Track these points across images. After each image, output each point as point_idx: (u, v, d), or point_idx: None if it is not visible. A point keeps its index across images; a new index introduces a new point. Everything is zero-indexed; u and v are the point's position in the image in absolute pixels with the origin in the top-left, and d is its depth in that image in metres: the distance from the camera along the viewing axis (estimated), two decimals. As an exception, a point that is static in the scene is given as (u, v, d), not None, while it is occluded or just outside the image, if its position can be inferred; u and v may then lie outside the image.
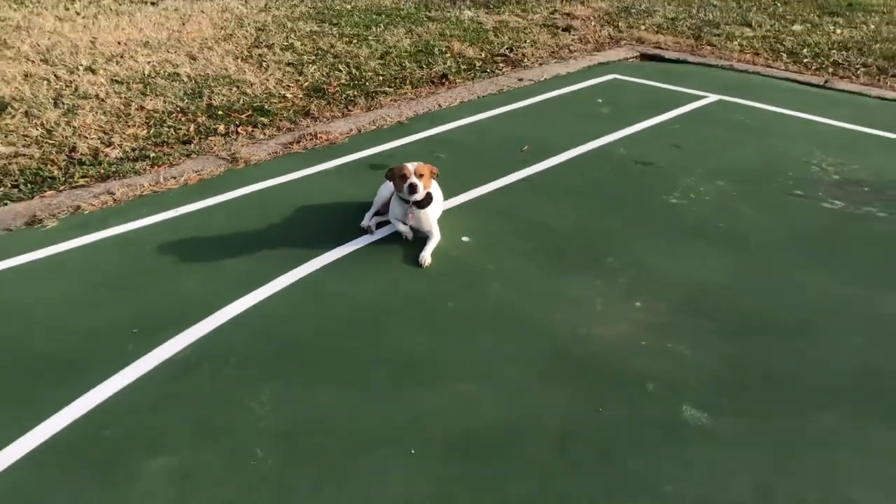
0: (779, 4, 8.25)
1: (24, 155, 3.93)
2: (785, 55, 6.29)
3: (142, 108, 4.64)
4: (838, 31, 7.14)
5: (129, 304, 2.69)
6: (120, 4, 7.30)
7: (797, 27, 7.27)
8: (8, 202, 3.46)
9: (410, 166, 3.01)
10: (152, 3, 7.42)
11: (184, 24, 6.63)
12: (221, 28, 6.54)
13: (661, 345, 2.53)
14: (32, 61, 5.35)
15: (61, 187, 3.63)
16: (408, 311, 2.68)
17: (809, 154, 4.20)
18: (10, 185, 3.62)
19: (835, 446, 2.11)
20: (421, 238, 3.12)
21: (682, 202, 3.59)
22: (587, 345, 2.52)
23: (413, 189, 2.97)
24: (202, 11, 7.10)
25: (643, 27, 7.06)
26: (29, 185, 3.64)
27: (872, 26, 7.35)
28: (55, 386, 2.27)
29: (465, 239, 3.19)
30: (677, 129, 4.56)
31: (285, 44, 6.12)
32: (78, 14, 6.81)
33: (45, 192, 3.58)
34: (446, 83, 5.34)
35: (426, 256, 3.01)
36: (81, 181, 3.69)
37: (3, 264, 2.95)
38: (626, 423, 2.17)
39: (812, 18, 7.62)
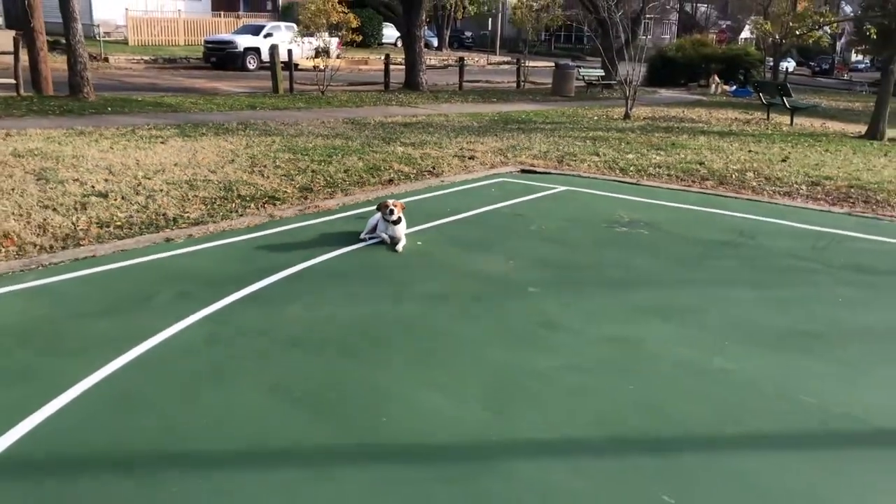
0: (622, 143, 11.99)
1: (139, 215, 6.58)
2: (617, 170, 9.75)
3: (196, 196, 7.39)
4: (657, 158, 10.78)
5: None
6: (139, 141, 10.16)
7: (630, 156, 10.88)
8: (144, 234, 6.08)
9: (390, 202, 5.91)
10: (162, 142, 10.31)
11: (195, 154, 9.52)
12: (223, 157, 9.45)
13: (527, 276, 5.39)
14: (102, 173, 8.05)
15: (173, 228, 6.28)
16: (398, 264, 5.45)
17: (615, 211, 7.38)
18: (139, 231, 6.24)
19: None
20: (395, 243, 5.94)
21: (537, 229, 6.61)
22: (484, 280, 5.35)
23: (391, 212, 5.84)
24: (203, 147, 10.03)
25: (524, 156, 10.49)
26: (149, 228, 6.27)
27: (682, 156, 11.06)
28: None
29: (418, 242, 6.04)
30: (539, 200, 7.70)
31: (274, 165, 9.07)
32: (112, 148, 9.60)
33: (163, 230, 6.22)
34: (393, 184, 8.36)
35: (400, 248, 5.83)
36: (183, 226, 6.36)
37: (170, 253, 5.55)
38: (503, 289, 4.98)
39: (643, 151, 11.30)
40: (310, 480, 2.89)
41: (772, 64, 31.15)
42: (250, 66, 27.99)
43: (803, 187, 9.04)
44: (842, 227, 7.23)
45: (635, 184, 8.92)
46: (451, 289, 5.11)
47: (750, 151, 11.87)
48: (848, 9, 51.21)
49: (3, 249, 5.53)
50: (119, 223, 6.32)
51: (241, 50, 27.92)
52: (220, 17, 36.01)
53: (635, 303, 4.96)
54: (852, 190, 8.91)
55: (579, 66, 26.06)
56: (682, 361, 4.07)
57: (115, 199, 7.01)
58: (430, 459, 3.08)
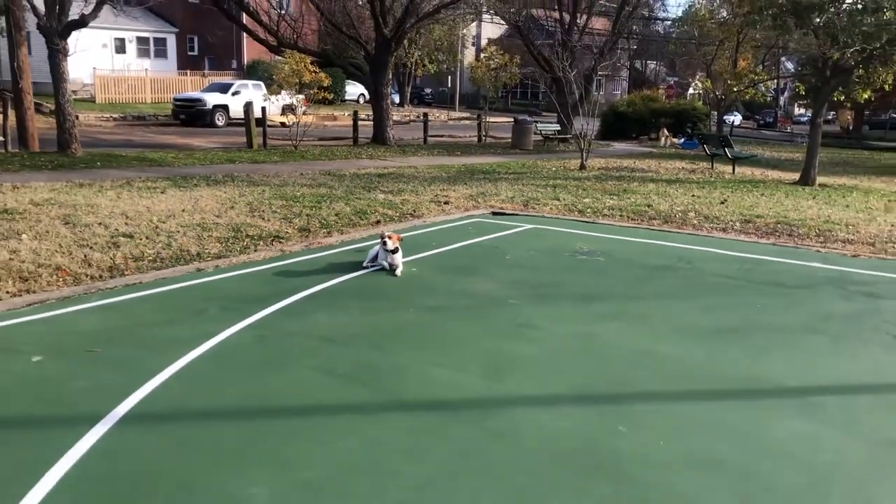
0: (579, 190, 13.47)
1: (165, 251, 7.68)
2: (576, 211, 11.16)
3: (210, 236, 8.52)
4: (611, 201, 12.25)
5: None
6: (139, 191, 11.24)
7: (587, 200, 12.33)
8: (176, 266, 7.18)
9: (389, 233, 7.14)
10: (162, 192, 11.42)
11: (196, 202, 10.65)
12: (223, 204, 10.60)
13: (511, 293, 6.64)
14: (120, 218, 9.13)
15: (199, 261, 7.39)
16: (399, 285, 6.65)
17: (576, 243, 8.73)
18: (171, 264, 7.34)
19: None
20: (393, 269, 7.14)
21: (511, 258, 7.90)
22: (472, 296, 6.59)
23: (386, 243, 7.06)
24: (201, 196, 11.16)
25: (493, 200, 11.86)
26: (178, 261, 7.37)
27: (632, 199, 12.55)
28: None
29: (413, 269, 7.26)
30: (510, 236, 9.01)
31: (271, 210, 10.24)
32: (119, 198, 10.68)
33: (191, 263, 7.33)
34: (380, 224, 9.61)
35: (398, 273, 7.04)
36: (207, 259, 7.48)
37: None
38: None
39: (598, 196, 12.78)
40: (357, 426, 4.05)
41: (716, 118, 33.54)
42: (219, 123, 29.22)
43: (737, 224, 10.55)
44: (766, 253, 8.68)
45: (592, 222, 10.33)
46: (445, 302, 6.34)
47: (693, 196, 13.45)
48: (790, 65, 54.99)
49: (61, 279, 6.59)
50: (150, 258, 7.41)
51: (210, 107, 29.17)
52: (185, 75, 37.30)
53: (595, 310, 6.24)
54: (779, 225, 10.45)
55: (536, 122, 27.93)
56: (632, 348, 5.33)
57: (141, 239, 8.09)
58: (446, 409, 4.26)
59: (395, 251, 7.11)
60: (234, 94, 29.78)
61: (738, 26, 21.27)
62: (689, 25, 31.84)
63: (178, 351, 4.89)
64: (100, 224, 8.68)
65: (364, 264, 7.30)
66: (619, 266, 7.85)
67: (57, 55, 15.86)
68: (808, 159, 17.04)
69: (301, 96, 20.85)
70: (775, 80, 43.01)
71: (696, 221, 10.65)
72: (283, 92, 21.54)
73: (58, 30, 15.76)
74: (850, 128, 44.31)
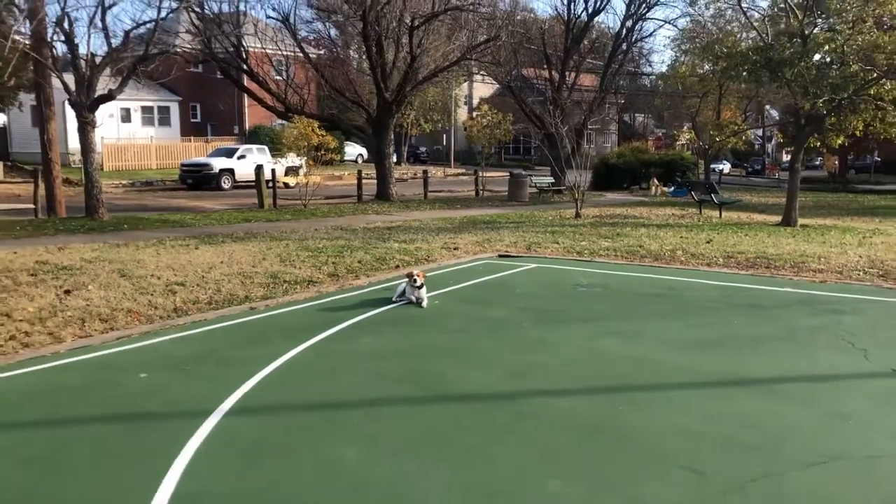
0: (576, 235, 14.76)
1: (216, 296, 8.86)
2: (574, 253, 12.42)
3: (252, 282, 9.71)
4: (605, 243, 13.53)
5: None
6: (174, 249, 12.45)
7: (584, 243, 13.60)
8: (231, 306, 8.35)
9: (415, 271, 8.36)
10: (195, 248, 12.64)
11: (230, 255, 11.87)
12: (255, 256, 11.81)
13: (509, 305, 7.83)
14: (167, 270, 10.32)
15: (249, 302, 8.56)
16: (426, 315, 7.83)
17: (576, 278, 9.94)
18: (226, 305, 8.51)
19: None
20: (419, 302, 8.32)
21: (521, 292, 9.10)
22: (489, 321, 7.77)
23: (415, 280, 8.27)
24: (233, 251, 12.39)
25: (498, 245, 13.12)
26: (231, 303, 8.54)
27: (625, 241, 13.83)
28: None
29: (436, 301, 8.46)
30: (517, 274, 10.23)
31: (300, 260, 11.45)
32: (158, 254, 11.89)
33: (243, 304, 8.50)
34: (399, 268, 10.82)
35: (424, 305, 8.23)
36: (256, 301, 8.65)
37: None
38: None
39: (594, 239, 14.06)
40: (413, 412, 5.21)
41: (702, 166, 35.21)
42: (225, 186, 30.69)
43: (720, 259, 11.81)
44: (744, 282, 9.92)
45: (589, 261, 11.58)
46: (468, 326, 7.52)
47: (681, 237, 14.75)
48: (775, 113, 57.27)
49: (135, 319, 7.75)
50: (205, 301, 8.59)
51: (217, 171, 30.69)
52: (189, 141, 39.01)
53: (595, 329, 7.43)
54: (758, 259, 11.71)
55: (531, 175, 29.47)
56: (628, 356, 6.51)
57: (192, 287, 9.28)
58: (482, 400, 5.41)
59: (421, 286, 8.31)
60: (239, 158, 31.34)
61: (717, 80, 22.89)
62: (672, 81, 33.73)
63: (254, 367, 6.05)
64: (152, 276, 9.86)
65: (393, 299, 8.49)
66: (614, 295, 9.07)
67: (86, 127, 17.29)
68: (789, 202, 18.43)
69: (305, 158, 22.32)
70: (761, 129, 45.00)
71: (683, 258, 11.91)
72: (287, 155, 23.05)
73: (86, 104, 17.22)
74: (836, 172, 46.08)
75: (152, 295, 8.75)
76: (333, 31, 32.40)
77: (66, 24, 16.94)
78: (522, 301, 8.71)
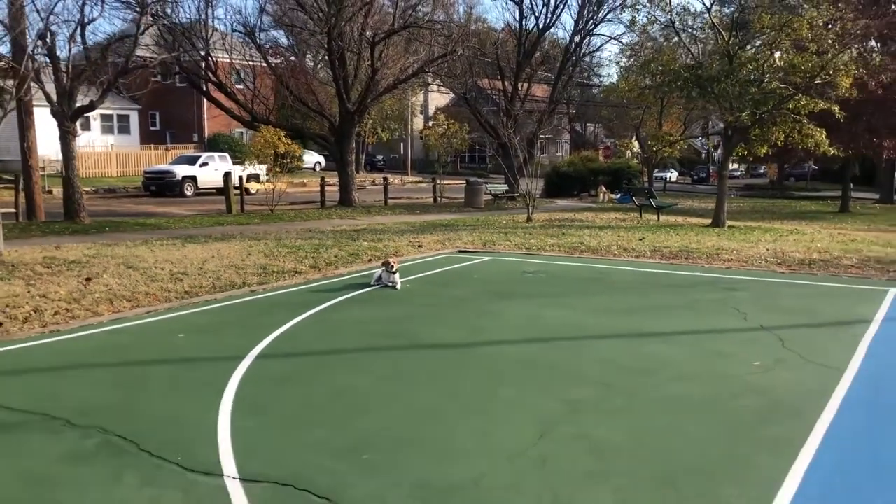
0: (526, 234, 16.77)
1: (218, 283, 10.55)
2: (524, 248, 14.40)
3: (245, 272, 11.41)
4: (551, 241, 15.54)
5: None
6: (163, 247, 14.04)
7: (533, 241, 15.59)
8: (233, 290, 10.06)
9: (391, 259, 10.21)
10: (182, 246, 14.26)
11: (218, 251, 13.53)
12: (241, 252, 13.49)
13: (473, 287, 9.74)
14: (167, 263, 11.94)
15: (247, 287, 10.29)
16: (401, 295, 9.68)
17: (524, 267, 11.90)
18: (227, 289, 10.21)
19: (515, 298, 9.40)
20: (394, 285, 10.16)
21: (478, 277, 11.02)
22: (453, 298, 9.66)
23: (391, 266, 10.12)
24: (219, 248, 14.04)
25: (457, 243, 15.04)
26: (231, 288, 10.24)
27: (569, 239, 15.87)
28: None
29: (408, 285, 10.31)
30: (474, 264, 12.15)
31: (282, 255, 13.17)
32: (152, 251, 13.48)
33: (242, 288, 10.22)
34: (372, 262, 12.64)
35: (398, 287, 10.07)
36: (253, 286, 10.38)
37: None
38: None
39: (541, 238, 16.07)
40: (402, 355, 7.06)
41: (646, 174, 37.81)
42: (187, 193, 31.99)
43: (648, 252, 13.91)
44: (664, 269, 12.00)
45: (536, 254, 13.58)
46: (435, 302, 9.40)
47: (618, 236, 16.88)
48: (722, 124, 60.61)
49: (155, 300, 9.42)
50: (210, 287, 10.28)
51: (180, 178, 31.98)
52: (149, 149, 40.15)
53: (537, 303, 9.37)
54: (680, 252, 13.85)
55: (486, 182, 31.51)
56: (562, 321, 8.45)
57: (195, 276, 10.95)
58: (452, 348, 7.28)
59: (395, 272, 10.15)
60: (201, 165, 32.69)
61: (652, 95, 25.26)
62: (617, 94, 36.29)
63: (268, 329, 7.81)
64: (155, 267, 11.51)
65: (371, 283, 10.30)
66: (554, 279, 11.05)
67: (67, 136, 18.72)
68: (718, 205, 20.78)
69: (266, 165, 23.96)
70: (699, 139, 47.90)
71: (616, 252, 13.99)
72: (246, 162, 24.68)
73: (68, 114, 18.65)
74: (775, 180, 49.34)
75: (162, 282, 10.41)
76: (287, 40, 34.09)
77: (48, 39, 18.35)
78: (479, 284, 10.63)
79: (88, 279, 10.41)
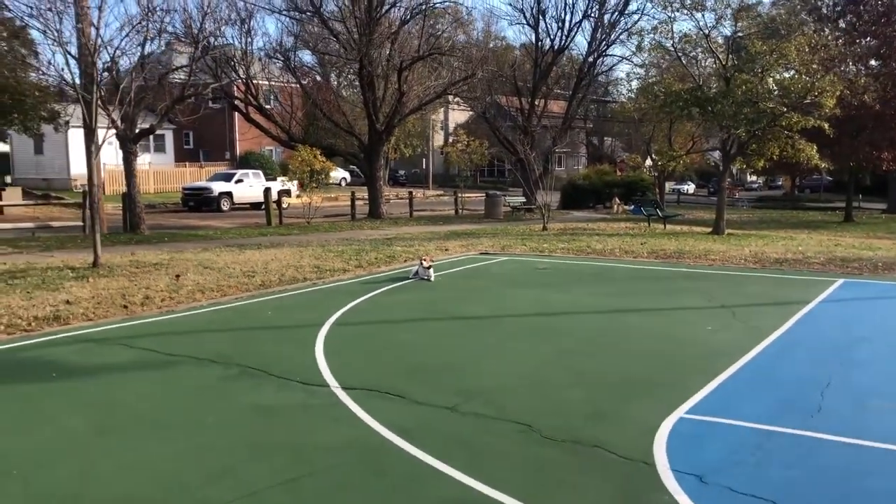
0: (540, 241, 19.24)
1: (283, 279, 13.11)
2: (538, 251, 16.86)
3: (304, 271, 13.96)
4: (562, 245, 17.99)
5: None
6: (225, 252, 16.64)
7: (546, 245, 18.05)
8: (297, 284, 12.61)
9: (425, 256, 12.74)
10: (242, 252, 16.86)
11: (274, 256, 16.11)
12: (294, 257, 16.06)
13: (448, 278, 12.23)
14: (236, 265, 14.52)
15: (310, 281, 12.84)
16: (435, 285, 12.19)
17: (537, 265, 14.38)
18: (292, 283, 12.77)
19: (527, 286, 11.92)
20: (429, 278, 12.67)
21: (497, 272, 13.52)
22: (476, 287, 12.17)
23: (425, 263, 12.64)
24: (273, 254, 16.62)
25: (479, 247, 17.54)
26: (295, 283, 12.79)
27: (578, 244, 18.31)
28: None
29: (439, 278, 12.82)
30: (494, 263, 14.66)
31: (330, 258, 15.72)
32: (218, 255, 16.08)
33: (305, 282, 12.77)
34: (407, 262, 15.16)
35: (432, 280, 12.59)
36: (314, 280, 12.93)
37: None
38: (487, 287, 11.83)
39: (554, 243, 18.53)
40: (444, 323, 9.58)
41: (658, 186, 40.16)
42: (224, 208, 34.76)
43: (646, 254, 16.34)
44: (655, 266, 14.42)
45: (548, 255, 16.07)
46: (462, 289, 11.91)
47: (623, 241, 19.30)
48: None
49: (237, 291, 11.98)
50: (277, 281, 12.84)
51: (217, 194, 34.77)
52: (184, 167, 43.10)
53: (545, 290, 11.85)
54: (674, 254, 16.25)
55: (505, 195, 34.04)
56: (564, 302, 10.92)
57: (262, 273, 13.52)
58: (474, 318, 9.78)
59: (429, 268, 12.67)
60: (237, 182, 35.49)
61: (656, 114, 27.71)
62: (629, 110, 38.75)
63: (335, 308, 10.33)
64: (227, 267, 14.11)
65: (410, 277, 12.82)
66: (560, 274, 13.51)
67: (129, 157, 21.50)
68: (718, 213, 23.14)
69: (297, 181, 26.66)
70: (706, 153, 50.08)
71: (618, 253, 16.43)
72: (278, 179, 27.38)
73: (130, 137, 21.43)
74: (788, 192, 51.44)
75: (237, 278, 12.98)
76: (311, 59, 36.97)
77: (114, 71, 21.17)
78: (497, 277, 13.14)
79: (178, 276, 13.01)
